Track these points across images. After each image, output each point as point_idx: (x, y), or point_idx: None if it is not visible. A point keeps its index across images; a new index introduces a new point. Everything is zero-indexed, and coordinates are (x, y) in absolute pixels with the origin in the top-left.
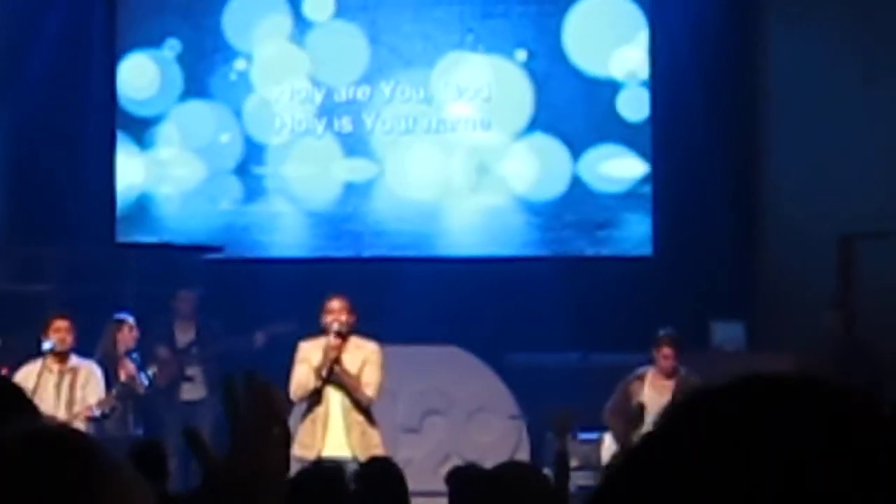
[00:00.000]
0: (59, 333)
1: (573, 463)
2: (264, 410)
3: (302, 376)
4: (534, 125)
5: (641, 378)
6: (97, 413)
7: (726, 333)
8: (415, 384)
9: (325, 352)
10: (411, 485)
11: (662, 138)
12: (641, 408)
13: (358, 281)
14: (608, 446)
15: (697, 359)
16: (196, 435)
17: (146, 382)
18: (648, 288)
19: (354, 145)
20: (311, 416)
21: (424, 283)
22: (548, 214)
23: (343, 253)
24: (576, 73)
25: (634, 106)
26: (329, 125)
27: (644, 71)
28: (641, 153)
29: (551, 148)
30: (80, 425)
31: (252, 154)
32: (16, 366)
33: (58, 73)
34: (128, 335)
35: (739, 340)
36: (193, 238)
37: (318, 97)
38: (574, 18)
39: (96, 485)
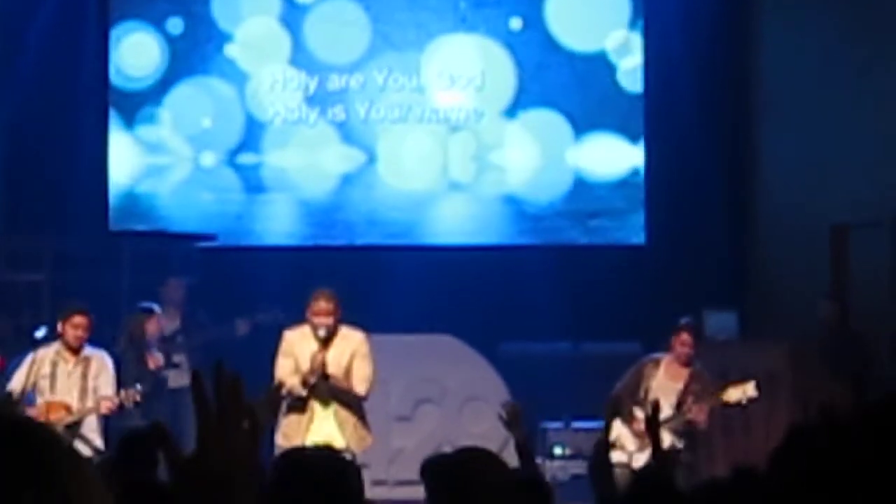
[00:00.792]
0: (76, 330)
1: (568, 451)
2: (233, 404)
3: (286, 376)
4: (527, 113)
5: (657, 362)
6: (129, 404)
7: (719, 323)
8: (407, 373)
9: (312, 360)
10: (403, 473)
11: (655, 128)
12: (657, 405)
13: (351, 270)
14: (618, 429)
15: None
16: (162, 430)
17: (166, 373)
18: (641, 277)
19: (347, 134)
20: (295, 408)
21: (417, 271)
22: (541, 204)
23: (336, 241)
24: (570, 58)
25: (629, 85)
26: (322, 114)
27: (636, 57)
28: (635, 143)
29: (544, 137)
30: (93, 417)
31: (245, 142)
32: (9, 355)
33: (50, 62)
34: (155, 325)
35: (732, 330)
36: (187, 226)
37: (312, 85)
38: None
39: (50, 474)
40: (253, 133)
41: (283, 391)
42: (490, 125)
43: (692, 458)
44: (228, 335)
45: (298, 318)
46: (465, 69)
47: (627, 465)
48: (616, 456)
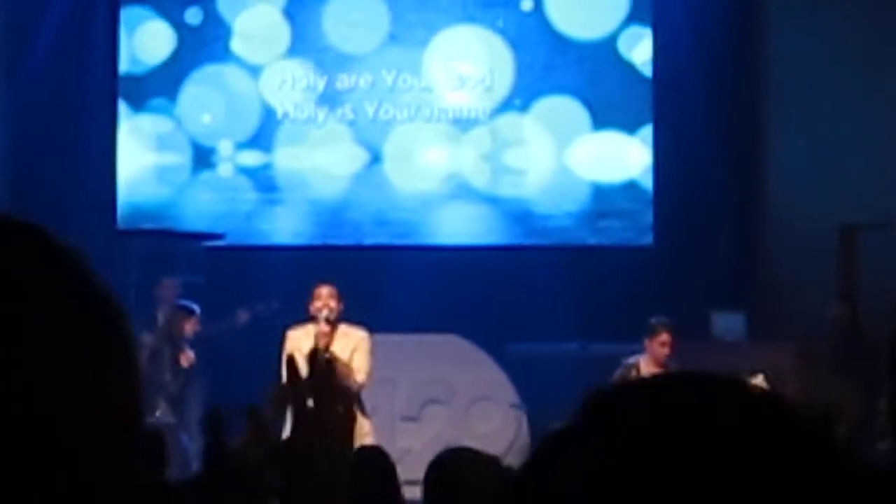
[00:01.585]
0: None
1: None
2: (328, 388)
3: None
4: (535, 112)
5: (636, 368)
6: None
7: (727, 324)
8: (415, 373)
9: (316, 338)
10: (410, 474)
11: (663, 129)
12: None
13: (359, 269)
14: None
15: (697, 349)
16: (256, 413)
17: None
18: (649, 278)
19: (356, 133)
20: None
21: (425, 272)
22: (548, 204)
23: (344, 241)
24: (577, 52)
25: (637, 77)
26: (331, 113)
27: (646, 52)
28: (643, 143)
29: (552, 136)
30: None
31: (254, 142)
32: None
33: (58, 60)
34: (193, 326)
35: (740, 331)
36: (194, 225)
37: (320, 85)
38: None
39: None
40: (262, 133)
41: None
42: (498, 125)
43: None
44: (229, 327)
45: (296, 311)
46: (473, 68)
47: None
48: None
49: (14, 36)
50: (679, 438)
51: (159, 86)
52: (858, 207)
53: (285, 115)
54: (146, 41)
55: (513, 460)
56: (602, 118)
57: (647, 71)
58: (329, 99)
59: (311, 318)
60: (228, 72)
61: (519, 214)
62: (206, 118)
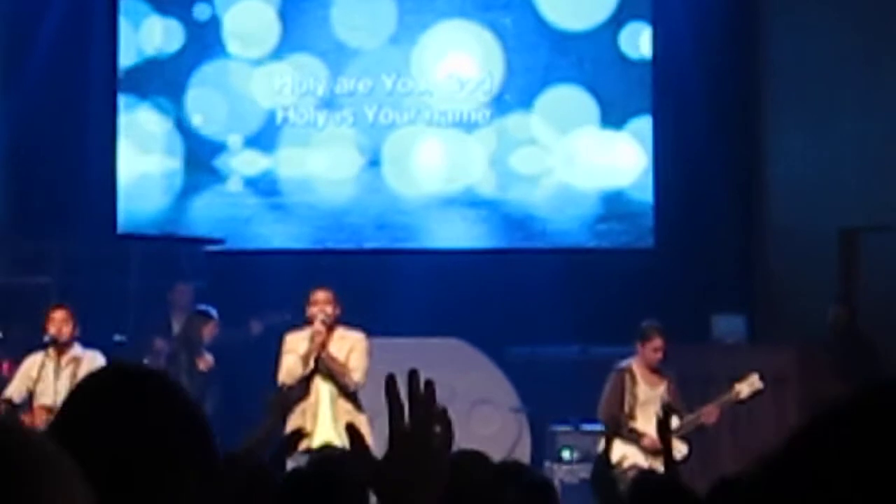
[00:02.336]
0: (54, 323)
1: (576, 455)
2: (426, 409)
3: (290, 364)
4: (535, 112)
5: (630, 372)
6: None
7: (727, 326)
8: None
9: (312, 338)
10: None
11: (663, 131)
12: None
13: (359, 273)
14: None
15: (698, 352)
16: (358, 434)
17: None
18: (649, 281)
19: (355, 137)
20: (301, 407)
21: (425, 275)
22: (549, 207)
23: (344, 245)
24: (579, 62)
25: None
26: (331, 117)
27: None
28: (643, 147)
29: (555, 137)
30: None
31: (254, 146)
32: (17, 359)
33: (58, 63)
34: (211, 330)
35: (740, 333)
36: (194, 230)
37: (320, 89)
38: None
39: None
40: (262, 136)
41: (289, 383)
42: (498, 130)
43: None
44: (239, 337)
45: (306, 321)
46: (471, 70)
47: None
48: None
49: (12, 39)
50: None
51: (159, 87)
52: (858, 210)
53: (285, 119)
54: (147, 40)
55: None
56: (604, 116)
57: (647, 73)
58: (329, 103)
59: (308, 323)
60: (228, 75)
61: (519, 218)
62: (207, 121)
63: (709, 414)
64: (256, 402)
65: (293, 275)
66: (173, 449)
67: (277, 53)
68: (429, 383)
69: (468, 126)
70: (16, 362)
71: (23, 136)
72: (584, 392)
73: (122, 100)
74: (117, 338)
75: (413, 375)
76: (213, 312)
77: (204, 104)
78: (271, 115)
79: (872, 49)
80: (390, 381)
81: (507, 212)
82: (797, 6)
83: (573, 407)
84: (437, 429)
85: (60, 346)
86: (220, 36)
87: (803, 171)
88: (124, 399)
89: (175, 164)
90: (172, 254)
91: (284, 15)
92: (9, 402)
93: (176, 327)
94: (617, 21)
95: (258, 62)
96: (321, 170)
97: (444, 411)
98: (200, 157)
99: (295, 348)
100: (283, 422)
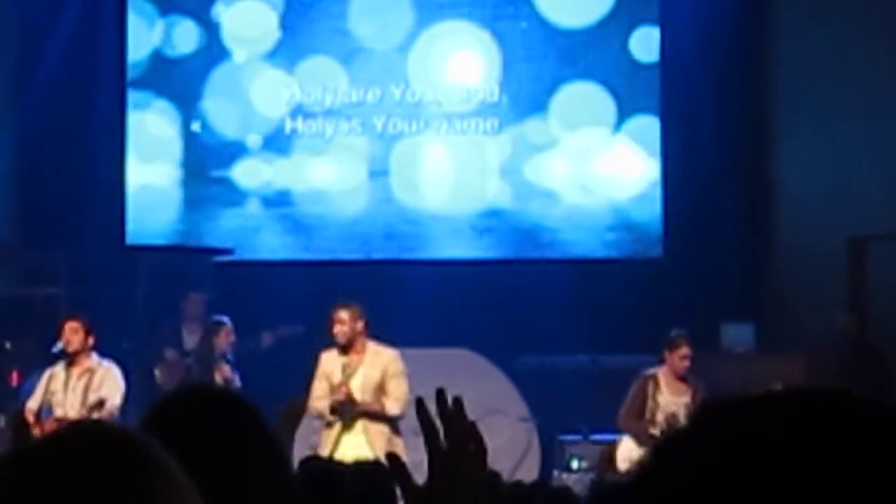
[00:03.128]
0: (64, 335)
1: (585, 464)
2: (459, 429)
3: (319, 401)
4: (542, 121)
5: (654, 379)
6: None
7: (736, 335)
8: (425, 387)
9: (337, 391)
10: None
11: (672, 140)
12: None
13: (367, 284)
14: (625, 449)
15: (707, 360)
16: (400, 463)
17: (239, 384)
18: (658, 290)
19: (364, 148)
20: (328, 424)
21: (434, 285)
22: (558, 217)
23: (353, 255)
24: (586, 71)
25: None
26: (338, 128)
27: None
28: (651, 154)
29: (560, 149)
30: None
31: (262, 156)
32: (26, 369)
33: (67, 73)
34: (224, 339)
35: (749, 342)
36: (203, 240)
37: (329, 100)
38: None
39: (145, 483)
40: (271, 146)
41: (312, 413)
42: (506, 139)
43: None
44: (250, 348)
45: (318, 332)
46: (482, 84)
47: None
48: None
49: (22, 49)
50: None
51: (169, 94)
52: (867, 219)
53: (294, 129)
54: (156, 45)
55: (523, 473)
56: (615, 117)
57: (655, 78)
58: (338, 112)
59: (333, 342)
60: (238, 83)
61: (528, 227)
62: (216, 131)
63: None
64: (267, 412)
65: (301, 285)
66: (251, 470)
67: (286, 62)
68: (457, 400)
69: (477, 135)
70: (25, 372)
71: (32, 146)
72: (594, 402)
73: (131, 106)
74: (126, 347)
75: (441, 394)
76: (227, 321)
77: (212, 115)
78: (280, 125)
79: (882, 56)
80: (420, 405)
81: (516, 221)
82: (806, 13)
83: (582, 416)
84: (471, 446)
85: (72, 358)
86: (227, 44)
87: (812, 180)
88: (208, 424)
89: (184, 174)
90: (181, 264)
91: (293, 24)
92: (36, 413)
93: (186, 338)
94: (627, 24)
95: (267, 71)
96: (330, 180)
97: (474, 425)
98: (209, 168)
99: (327, 372)
100: (293, 432)
